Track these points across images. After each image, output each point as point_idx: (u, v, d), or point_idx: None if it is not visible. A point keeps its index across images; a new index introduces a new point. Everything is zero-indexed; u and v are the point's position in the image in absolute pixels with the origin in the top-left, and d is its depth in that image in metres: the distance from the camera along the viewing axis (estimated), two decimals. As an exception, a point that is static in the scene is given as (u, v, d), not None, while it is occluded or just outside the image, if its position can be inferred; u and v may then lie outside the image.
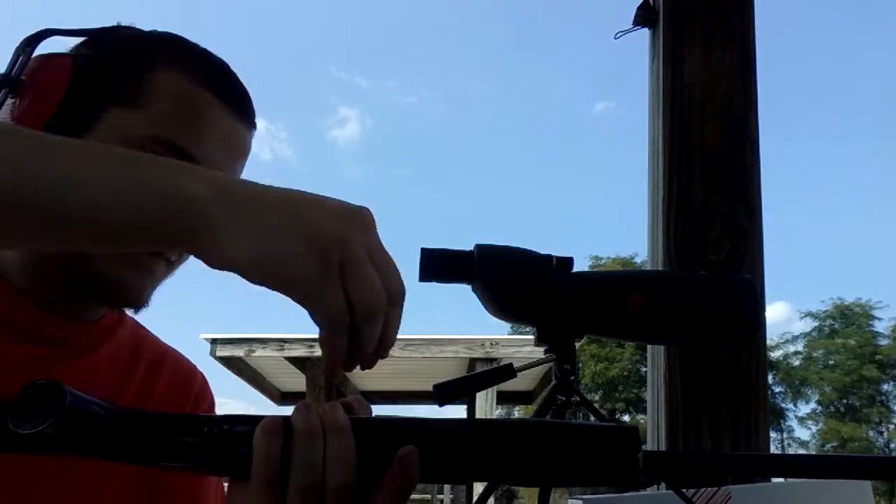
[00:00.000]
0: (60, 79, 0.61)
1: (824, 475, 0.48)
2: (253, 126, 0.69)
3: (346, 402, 0.42)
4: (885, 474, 0.46)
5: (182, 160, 0.61)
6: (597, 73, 44.27)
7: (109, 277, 0.63)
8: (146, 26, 0.69)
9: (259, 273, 0.39)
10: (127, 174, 0.39)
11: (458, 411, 6.46)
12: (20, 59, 0.62)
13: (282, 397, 7.27)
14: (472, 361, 5.83)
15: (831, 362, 27.40)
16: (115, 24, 0.68)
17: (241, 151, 0.68)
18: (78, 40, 0.66)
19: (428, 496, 11.24)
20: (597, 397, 25.93)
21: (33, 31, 0.64)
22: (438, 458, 0.40)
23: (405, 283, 0.43)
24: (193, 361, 0.81)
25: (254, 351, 5.71)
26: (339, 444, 0.38)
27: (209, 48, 0.69)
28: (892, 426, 26.67)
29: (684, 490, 0.73)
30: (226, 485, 0.44)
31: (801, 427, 28.24)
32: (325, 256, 0.38)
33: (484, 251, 0.72)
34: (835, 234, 40.16)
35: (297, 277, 0.38)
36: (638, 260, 24.76)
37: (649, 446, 1.22)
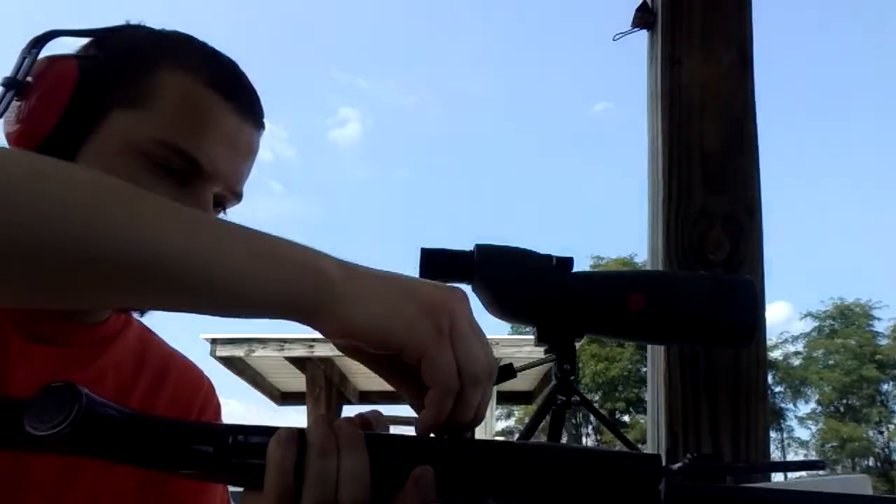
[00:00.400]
0: (66, 80, 0.61)
1: None
2: (261, 126, 0.68)
3: (364, 417, 0.43)
4: None
5: (186, 164, 0.61)
6: (596, 74, 44.32)
7: None
8: (151, 25, 0.69)
9: (380, 336, 0.41)
10: (265, 247, 0.41)
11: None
12: (26, 60, 0.62)
13: (282, 397, 7.26)
14: (473, 361, 5.80)
15: (831, 362, 27.41)
16: (123, 22, 0.68)
17: (248, 153, 0.67)
18: (86, 41, 0.66)
19: None
20: (597, 397, 25.94)
21: (39, 33, 0.64)
22: (453, 479, 0.40)
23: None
24: (194, 361, 0.81)
25: (254, 351, 5.71)
26: (354, 460, 0.38)
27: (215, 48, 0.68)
28: (892, 426, 26.67)
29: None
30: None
31: (801, 427, 28.29)
32: (438, 322, 0.41)
33: (484, 251, 0.72)
34: (835, 234, 40.21)
35: (415, 339, 0.40)
36: (638, 260, 24.78)
37: (649, 445, 1.22)
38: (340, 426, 0.40)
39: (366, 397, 7.06)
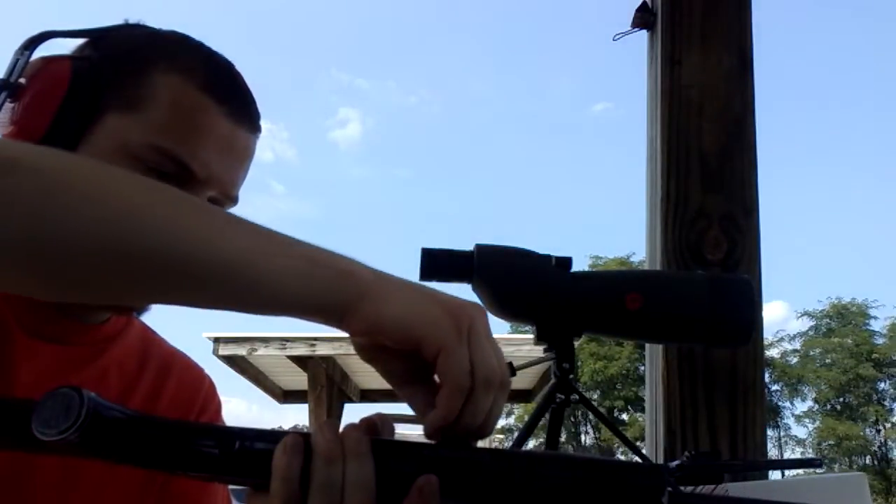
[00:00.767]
0: (59, 82, 0.60)
1: None
2: (256, 130, 0.67)
3: (370, 421, 0.43)
4: None
5: (179, 169, 0.61)
6: (596, 74, 44.23)
7: None
8: (149, 24, 0.68)
9: (403, 329, 0.42)
10: (301, 250, 0.43)
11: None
12: (19, 62, 0.61)
13: (283, 395, 7.26)
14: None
15: (828, 360, 27.44)
16: (122, 21, 0.67)
17: (242, 157, 0.66)
18: (83, 41, 0.65)
19: None
20: (595, 395, 25.94)
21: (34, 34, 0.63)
22: (458, 488, 0.40)
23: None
24: (196, 360, 0.81)
25: (256, 350, 5.71)
26: (359, 468, 0.39)
27: (211, 48, 0.67)
28: (888, 424, 26.69)
29: (682, 488, 0.74)
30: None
31: (798, 425, 28.30)
32: (458, 323, 0.42)
33: (484, 251, 0.73)
34: (832, 234, 40.23)
35: (435, 332, 0.42)
36: (635, 259, 24.78)
37: (647, 444, 1.23)
38: (346, 433, 0.40)
39: (367, 395, 7.07)
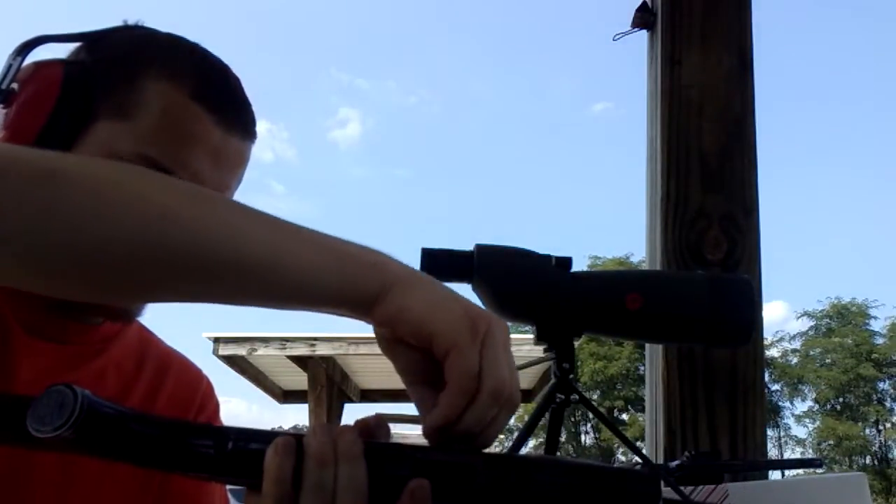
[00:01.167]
0: (50, 87, 0.60)
1: None
2: (250, 136, 0.66)
3: (365, 423, 0.43)
4: None
5: None
6: (596, 74, 44.25)
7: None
8: (148, 24, 0.67)
9: (419, 321, 0.42)
10: (329, 244, 0.44)
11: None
12: (11, 67, 0.61)
13: (283, 395, 7.27)
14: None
15: (828, 360, 27.45)
16: (120, 22, 0.67)
17: (234, 165, 0.65)
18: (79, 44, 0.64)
19: None
20: (595, 395, 25.94)
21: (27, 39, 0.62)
22: (450, 493, 0.40)
23: None
24: (196, 360, 0.81)
25: (256, 350, 5.71)
26: (351, 471, 0.39)
27: (209, 49, 0.66)
28: (888, 424, 26.71)
29: (682, 487, 0.74)
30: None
31: (798, 425, 28.31)
32: (475, 325, 0.42)
33: (484, 251, 0.73)
34: (832, 234, 40.23)
35: (450, 329, 0.42)
36: (634, 259, 24.79)
37: (647, 444, 1.23)
38: (340, 435, 0.40)
39: (367, 395, 7.07)
